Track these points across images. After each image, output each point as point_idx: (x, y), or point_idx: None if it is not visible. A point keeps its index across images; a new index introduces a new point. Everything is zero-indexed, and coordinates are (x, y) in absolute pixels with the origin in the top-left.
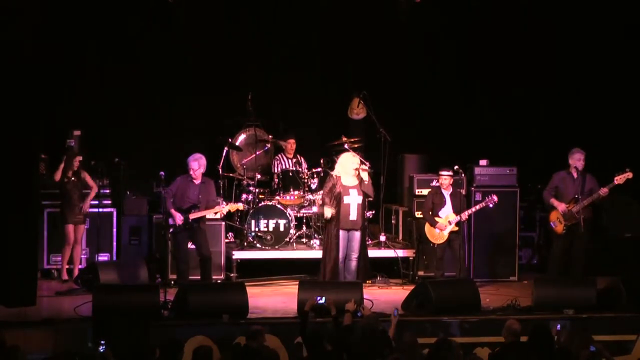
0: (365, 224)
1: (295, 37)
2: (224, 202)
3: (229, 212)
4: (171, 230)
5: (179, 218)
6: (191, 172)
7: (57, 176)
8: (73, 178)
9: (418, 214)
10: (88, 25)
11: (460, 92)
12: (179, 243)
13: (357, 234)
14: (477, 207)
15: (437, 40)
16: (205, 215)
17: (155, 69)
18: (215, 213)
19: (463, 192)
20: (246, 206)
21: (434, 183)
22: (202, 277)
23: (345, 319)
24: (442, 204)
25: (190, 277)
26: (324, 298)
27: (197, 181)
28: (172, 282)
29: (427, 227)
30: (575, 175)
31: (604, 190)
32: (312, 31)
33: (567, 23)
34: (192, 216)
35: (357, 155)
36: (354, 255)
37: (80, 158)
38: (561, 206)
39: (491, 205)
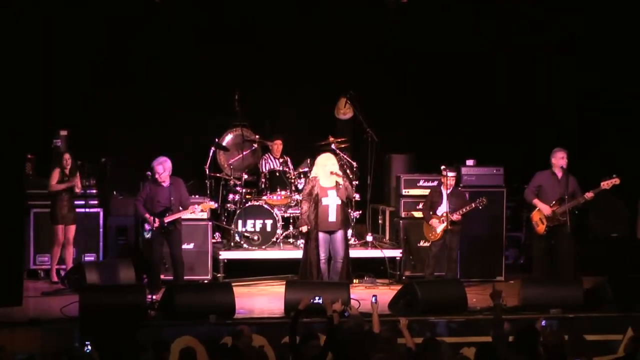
0: (347, 224)
1: (283, 37)
2: (196, 206)
3: (213, 212)
4: (149, 235)
5: (154, 222)
6: (157, 177)
7: (54, 182)
8: (67, 178)
9: (404, 214)
10: (74, 24)
11: (447, 92)
12: (155, 248)
13: (338, 236)
14: (467, 208)
15: (425, 40)
16: (180, 217)
17: (141, 66)
18: (191, 212)
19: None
20: (233, 206)
21: (422, 182)
22: (174, 278)
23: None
24: (440, 202)
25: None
26: (321, 298)
27: (166, 183)
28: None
29: (424, 224)
30: (559, 175)
31: (589, 195)
32: (299, 30)
33: (554, 20)
34: (168, 219)
35: (333, 157)
36: (339, 256)
37: (68, 156)
38: (546, 209)
39: (480, 207)
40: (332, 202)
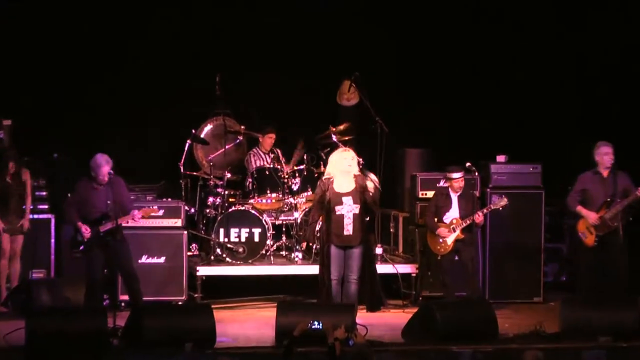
0: (366, 238)
1: (274, 9)
2: (135, 211)
3: (190, 219)
4: (82, 247)
5: (85, 230)
6: (100, 178)
7: None
8: (9, 180)
9: (421, 221)
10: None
11: (472, 75)
12: (91, 261)
13: (355, 252)
14: (484, 210)
15: (445, 16)
16: (120, 226)
17: (103, 46)
18: (127, 222)
19: (477, 193)
20: (213, 212)
21: (442, 183)
22: (130, 299)
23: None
24: (448, 207)
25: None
26: (320, 323)
27: (103, 184)
28: (123, 305)
29: (429, 235)
30: (604, 174)
31: None
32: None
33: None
34: (103, 228)
35: (351, 152)
36: (352, 276)
37: (12, 165)
38: (591, 216)
39: (501, 209)
40: (347, 211)
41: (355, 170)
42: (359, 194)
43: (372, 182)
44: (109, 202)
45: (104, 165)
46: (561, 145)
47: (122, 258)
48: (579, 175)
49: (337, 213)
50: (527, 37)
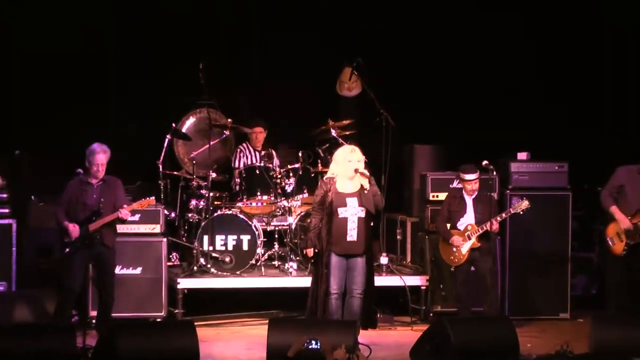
0: (370, 246)
1: None
2: (124, 208)
3: (170, 224)
4: (67, 250)
5: (73, 229)
6: (94, 169)
7: None
8: None
9: (432, 227)
10: None
11: (488, 63)
12: (73, 265)
13: (359, 262)
14: (503, 215)
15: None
16: (111, 227)
17: (74, 36)
18: (119, 218)
19: (495, 195)
20: (196, 216)
21: (455, 184)
22: (99, 315)
23: None
24: (462, 211)
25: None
26: (318, 342)
27: (96, 181)
28: (94, 322)
29: (441, 243)
30: None
31: None
32: None
33: None
34: (93, 227)
35: (358, 150)
36: (357, 290)
37: None
38: (624, 221)
39: (522, 212)
40: (352, 215)
41: (361, 167)
42: (361, 198)
43: (367, 180)
44: (102, 199)
45: (99, 153)
46: (589, 141)
47: (105, 269)
48: (620, 167)
49: (340, 216)
50: (540, 31)
